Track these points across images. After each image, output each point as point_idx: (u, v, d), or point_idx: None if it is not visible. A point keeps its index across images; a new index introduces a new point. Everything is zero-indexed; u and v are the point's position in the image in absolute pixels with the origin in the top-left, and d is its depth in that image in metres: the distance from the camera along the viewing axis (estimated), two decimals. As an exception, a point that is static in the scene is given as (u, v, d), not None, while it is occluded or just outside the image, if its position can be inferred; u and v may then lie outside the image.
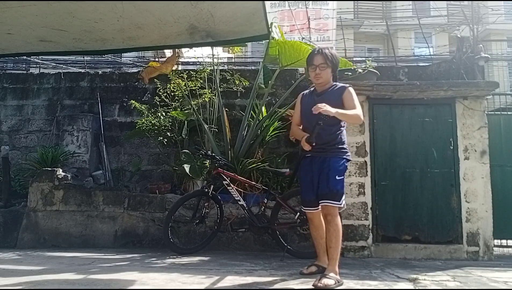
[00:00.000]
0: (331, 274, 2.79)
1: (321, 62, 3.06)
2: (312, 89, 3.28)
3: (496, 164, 4.86)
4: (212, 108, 6.02)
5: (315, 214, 3.10)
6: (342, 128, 3.07)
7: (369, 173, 4.62)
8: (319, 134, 2.93)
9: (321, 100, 2.98)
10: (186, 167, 5.13)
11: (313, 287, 2.68)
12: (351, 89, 3.07)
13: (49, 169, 5.20)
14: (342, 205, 3.00)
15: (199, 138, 5.93)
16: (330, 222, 2.93)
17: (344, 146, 3.07)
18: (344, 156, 3.04)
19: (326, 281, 2.69)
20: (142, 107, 5.99)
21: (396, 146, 4.68)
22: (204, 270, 3.33)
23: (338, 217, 2.99)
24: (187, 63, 7.83)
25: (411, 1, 14.11)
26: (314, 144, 2.92)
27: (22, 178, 5.99)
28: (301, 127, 3.21)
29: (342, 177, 2.99)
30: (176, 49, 5.44)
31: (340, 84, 3.15)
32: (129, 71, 8.49)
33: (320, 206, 3.00)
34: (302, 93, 3.34)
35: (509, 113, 5.40)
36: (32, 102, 7.01)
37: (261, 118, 5.66)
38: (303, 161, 3.17)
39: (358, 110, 2.96)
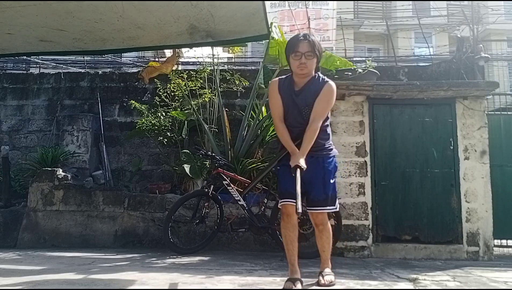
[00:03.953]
0: (328, 270, 2.89)
1: (308, 50, 2.62)
2: (289, 78, 2.81)
3: (496, 164, 4.85)
4: (212, 108, 6.02)
5: (294, 208, 2.58)
6: (328, 126, 2.84)
7: (369, 173, 4.62)
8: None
9: (300, 99, 2.70)
10: (186, 167, 5.13)
11: (318, 288, 2.74)
12: (331, 87, 2.69)
13: (49, 169, 5.20)
14: (337, 209, 2.92)
15: (199, 138, 5.93)
16: (323, 231, 2.79)
17: (330, 141, 2.84)
18: (332, 153, 2.81)
19: (329, 278, 2.80)
20: (142, 107, 6.00)
21: (396, 146, 4.68)
22: (204, 270, 3.33)
23: (328, 222, 2.83)
24: (187, 63, 7.83)
25: (411, 1, 14.11)
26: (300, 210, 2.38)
27: (22, 178, 6.00)
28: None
29: (335, 178, 2.82)
30: (176, 49, 5.44)
31: (321, 77, 2.77)
32: (129, 71, 8.50)
33: (312, 213, 2.79)
34: (278, 79, 2.84)
35: (509, 113, 5.40)
36: (32, 102, 7.02)
37: (261, 118, 5.65)
38: (286, 156, 2.73)
39: (315, 121, 2.62)
